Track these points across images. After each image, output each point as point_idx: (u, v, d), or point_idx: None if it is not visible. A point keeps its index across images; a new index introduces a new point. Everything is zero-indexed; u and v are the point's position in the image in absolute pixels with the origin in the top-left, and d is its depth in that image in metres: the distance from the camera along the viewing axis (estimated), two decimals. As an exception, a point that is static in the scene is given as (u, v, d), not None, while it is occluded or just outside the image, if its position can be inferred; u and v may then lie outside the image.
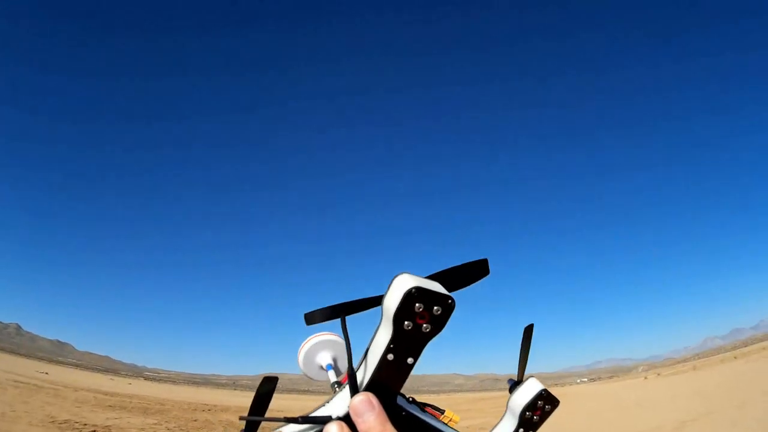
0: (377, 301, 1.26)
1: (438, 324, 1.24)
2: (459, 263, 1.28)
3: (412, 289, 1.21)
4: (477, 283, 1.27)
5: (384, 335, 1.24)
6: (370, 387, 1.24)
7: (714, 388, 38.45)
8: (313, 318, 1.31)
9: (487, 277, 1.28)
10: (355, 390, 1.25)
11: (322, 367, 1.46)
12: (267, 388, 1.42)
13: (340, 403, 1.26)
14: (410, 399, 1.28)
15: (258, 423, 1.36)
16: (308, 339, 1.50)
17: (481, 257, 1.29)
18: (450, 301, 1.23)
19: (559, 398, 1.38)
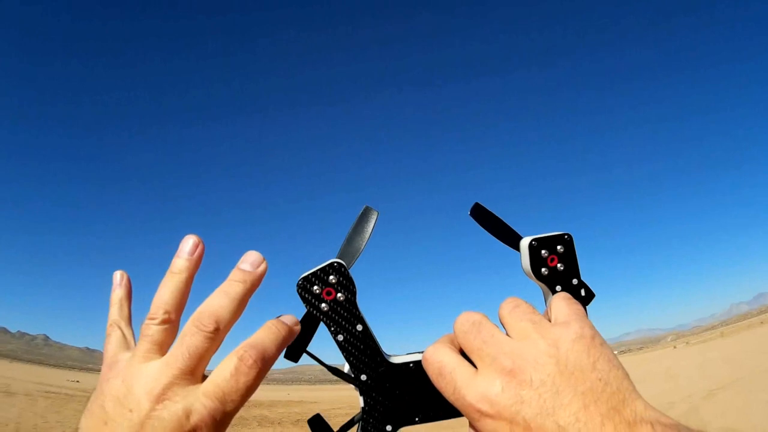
0: (308, 314, 1.30)
1: (345, 287, 1.27)
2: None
3: (299, 281, 1.27)
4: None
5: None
6: (355, 370, 1.29)
7: (742, 354, 38.28)
8: (293, 357, 1.36)
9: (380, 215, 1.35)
10: (350, 379, 1.30)
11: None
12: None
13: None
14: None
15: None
16: None
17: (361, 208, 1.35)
18: (335, 264, 1.27)
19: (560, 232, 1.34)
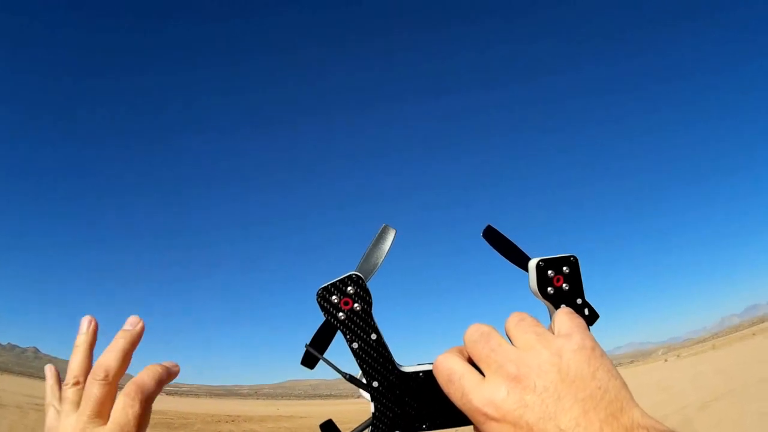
0: (326, 322, 1.39)
1: (362, 297, 1.35)
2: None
3: (318, 291, 1.36)
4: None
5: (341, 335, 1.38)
6: (368, 377, 1.35)
7: (734, 366, 38.45)
8: (308, 363, 1.48)
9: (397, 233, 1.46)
10: (362, 386, 1.38)
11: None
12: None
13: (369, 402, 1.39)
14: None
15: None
16: None
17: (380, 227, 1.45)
18: (353, 276, 1.36)
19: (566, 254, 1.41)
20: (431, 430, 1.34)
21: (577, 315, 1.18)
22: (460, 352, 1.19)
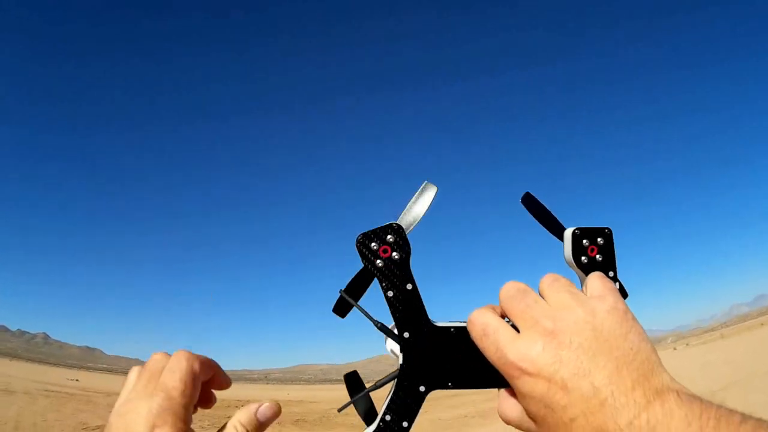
0: (364, 269, 1.39)
1: (401, 246, 1.36)
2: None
3: (358, 237, 1.36)
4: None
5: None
6: (400, 326, 1.36)
7: (743, 356, 38.36)
8: (340, 311, 1.47)
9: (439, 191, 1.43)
10: (393, 335, 1.39)
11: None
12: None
13: (396, 353, 1.40)
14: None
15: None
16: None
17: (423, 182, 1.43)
18: (394, 225, 1.36)
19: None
20: (455, 388, 1.34)
21: (608, 279, 1.21)
22: (494, 309, 1.22)
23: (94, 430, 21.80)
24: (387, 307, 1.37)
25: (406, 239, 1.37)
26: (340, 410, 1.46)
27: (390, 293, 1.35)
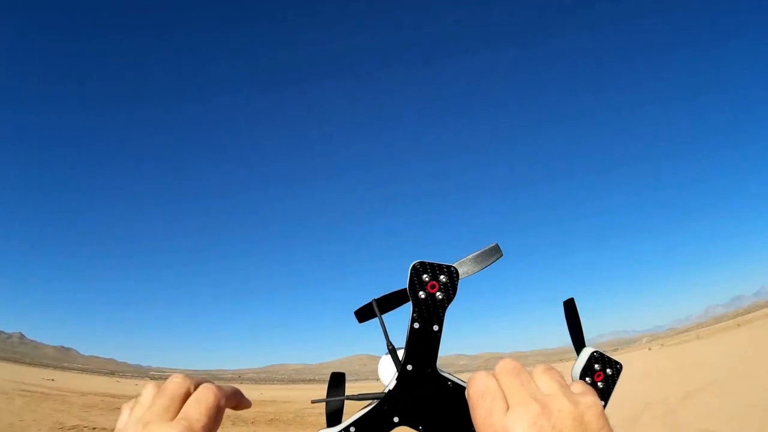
0: (404, 291, 1.43)
1: (448, 290, 1.39)
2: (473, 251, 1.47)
3: (416, 263, 1.39)
4: (493, 265, 1.47)
5: (412, 311, 1.40)
6: (408, 357, 1.40)
7: (719, 357, 38.68)
8: (360, 316, 1.63)
9: (502, 258, 1.48)
10: (397, 362, 1.45)
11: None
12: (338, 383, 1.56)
13: (389, 377, 1.46)
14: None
15: (340, 407, 1.50)
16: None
17: (492, 243, 1.48)
18: (453, 269, 1.40)
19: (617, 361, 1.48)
20: None
21: (592, 388, 1.29)
22: (493, 375, 1.27)
23: (70, 429, 21.72)
24: (406, 333, 1.42)
25: (456, 287, 1.41)
26: (313, 402, 1.53)
27: (416, 325, 1.40)
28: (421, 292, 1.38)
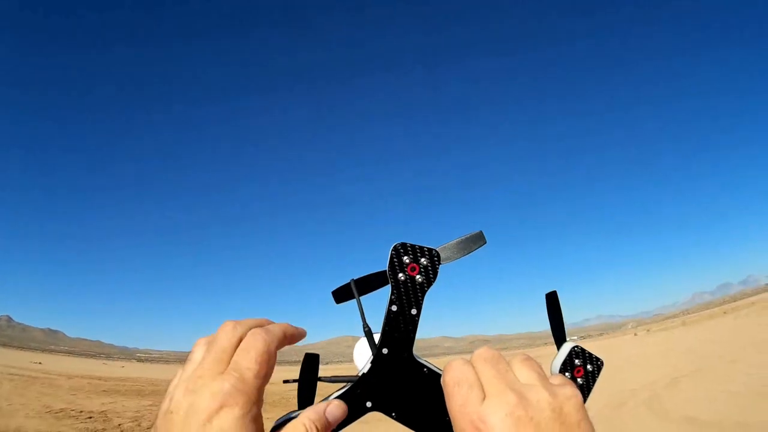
0: (385, 274, 1.39)
1: (428, 274, 1.36)
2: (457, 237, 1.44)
3: (397, 244, 1.35)
4: (479, 250, 1.44)
5: (389, 292, 1.37)
6: (384, 341, 1.37)
7: (704, 344, 38.80)
8: (338, 297, 1.54)
9: (485, 245, 1.44)
10: (373, 345, 1.41)
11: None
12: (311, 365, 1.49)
13: (363, 360, 1.42)
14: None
15: (311, 389, 1.45)
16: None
17: (477, 230, 1.45)
18: (434, 252, 1.36)
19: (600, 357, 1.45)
20: (396, 420, 1.38)
21: (571, 381, 1.30)
22: (470, 363, 1.26)
23: (57, 413, 21.64)
24: (383, 316, 1.38)
25: (436, 271, 1.38)
26: (285, 381, 1.52)
27: (394, 307, 1.37)
28: (400, 274, 1.36)
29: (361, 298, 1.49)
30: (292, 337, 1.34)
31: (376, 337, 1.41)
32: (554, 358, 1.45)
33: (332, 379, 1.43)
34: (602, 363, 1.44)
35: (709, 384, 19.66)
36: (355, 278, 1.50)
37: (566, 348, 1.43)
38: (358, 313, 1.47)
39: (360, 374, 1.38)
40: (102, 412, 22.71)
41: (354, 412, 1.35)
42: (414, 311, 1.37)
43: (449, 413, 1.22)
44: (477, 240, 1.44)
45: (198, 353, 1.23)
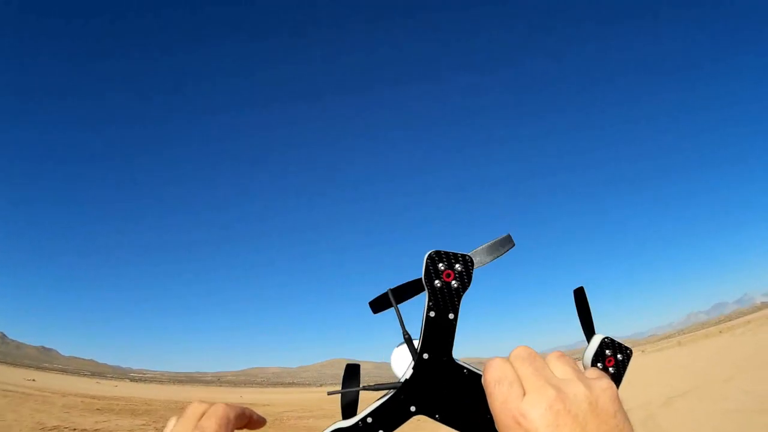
0: (420, 282, 1.43)
1: (463, 279, 1.40)
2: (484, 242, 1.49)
3: (432, 252, 1.39)
4: (506, 254, 1.50)
5: (426, 300, 1.41)
6: (424, 346, 1.41)
7: (700, 363, 38.84)
8: (375, 307, 1.61)
9: (514, 248, 1.51)
10: (413, 350, 1.45)
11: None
12: (352, 373, 1.57)
13: (403, 366, 1.47)
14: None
15: (355, 399, 1.51)
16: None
17: (504, 234, 1.51)
18: (468, 258, 1.41)
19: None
20: (441, 422, 1.42)
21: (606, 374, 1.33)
22: (509, 361, 1.30)
23: (51, 430, 21.58)
24: (421, 323, 1.42)
25: (471, 275, 1.42)
26: (329, 393, 1.54)
27: (432, 313, 1.40)
28: (436, 281, 1.39)
29: (398, 306, 1.54)
30: (252, 419, 1.45)
31: (416, 343, 1.45)
32: (585, 350, 1.51)
33: (376, 387, 1.48)
34: (631, 352, 1.49)
35: (705, 403, 19.64)
36: (391, 287, 1.56)
37: (597, 339, 1.49)
38: (397, 321, 1.52)
39: (403, 380, 1.43)
40: (95, 430, 22.68)
41: (399, 418, 1.42)
42: (451, 316, 1.41)
43: (491, 411, 1.27)
44: (506, 243, 1.50)
45: (170, 425, 1.38)
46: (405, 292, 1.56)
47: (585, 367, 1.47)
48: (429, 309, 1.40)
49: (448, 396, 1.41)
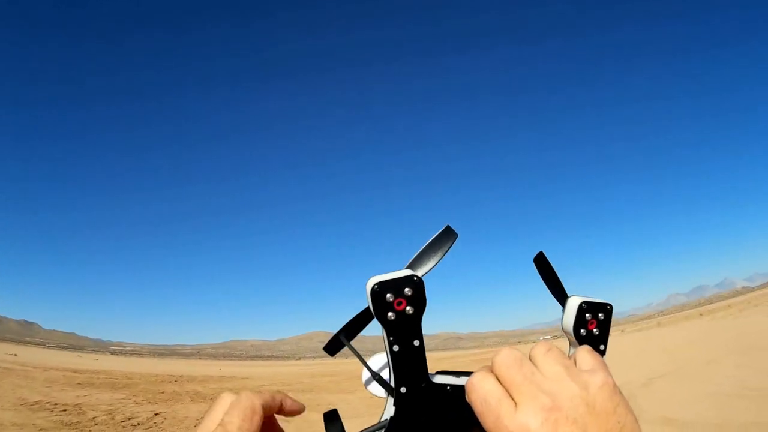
0: (368, 311, 1.37)
1: (417, 302, 1.30)
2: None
3: (374, 286, 1.29)
4: (452, 249, 1.41)
5: (384, 334, 1.33)
6: (398, 381, 1.33)
7: (680, 345, 39.18)
8: (330, 350, 1.59)
9: (458, 238, 1.41)
10: (388, 388, 1.38)
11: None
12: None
13: (389, 404, 1.37)
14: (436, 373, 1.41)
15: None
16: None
17: (443, 226, 1.43)
18: (415, 278, 1.30)
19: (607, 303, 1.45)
20: None
21: (598, 354, 1.25)
22: (491, 373, 1.24)
23: (32, 405, 21.56)
24: (386, 357, 1.36)
25: (424, 295, 1.31)
26: None
27: (396, 347, 1.32)
28: (389, 314, 1.30)
29: (352, 343, 1.51)
30: (284, 406, 1.31)
31: (384, 375, 1.42)
32: (562, 317, 1.46)
33: (365, 430, 1.38)
34: (611, 307, 1.44)
35: (686, 385, 19.80)
36: (340, 329, 1.52)
37: (573, 305, 1.43)
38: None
39: (387, 418, 1.36)
40: (76, 404, 22.62)
41: None
42: (417, 342, 1.32)
43: (485, 429, 1.21)
44: (448, 236, 1.42)
45: (223, 402, 1.30)
46: (355, 327, 1.52)
47: (568, 337, 1.47)
48: (391, 344, 1.31)
49: (437, 417, 1.35)
